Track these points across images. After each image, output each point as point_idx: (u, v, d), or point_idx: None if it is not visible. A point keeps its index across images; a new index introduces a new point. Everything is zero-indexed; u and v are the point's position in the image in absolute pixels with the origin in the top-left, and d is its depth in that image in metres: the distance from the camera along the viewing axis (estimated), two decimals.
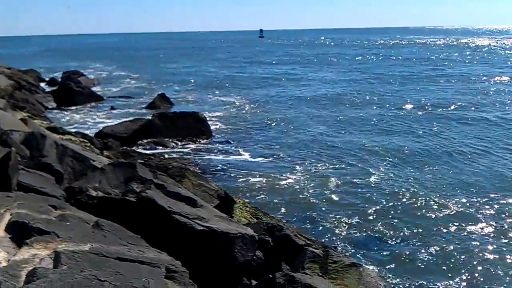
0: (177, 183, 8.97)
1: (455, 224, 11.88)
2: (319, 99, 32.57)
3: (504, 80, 40.24)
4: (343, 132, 22.37)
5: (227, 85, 41.65)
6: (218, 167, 16.91)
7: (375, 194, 13.97)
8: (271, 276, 5.58)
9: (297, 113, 27.37)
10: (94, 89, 36.91)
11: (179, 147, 19.81)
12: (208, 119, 23.03)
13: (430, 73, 47.26)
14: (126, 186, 7.90)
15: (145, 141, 20.10)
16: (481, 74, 44.85)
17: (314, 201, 13.60)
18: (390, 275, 9.54)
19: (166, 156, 17.85)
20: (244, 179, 15.68)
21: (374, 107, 28.73)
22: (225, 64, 64.90)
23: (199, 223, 6.25)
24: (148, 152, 18.18)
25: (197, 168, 15.67)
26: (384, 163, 16.98)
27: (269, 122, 24.76)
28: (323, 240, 10.30)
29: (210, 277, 6.50)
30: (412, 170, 16.08)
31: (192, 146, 19.94)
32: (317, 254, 7.53)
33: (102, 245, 4.97)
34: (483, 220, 12.06)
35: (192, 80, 45.31)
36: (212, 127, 22.52)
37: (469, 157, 17.57)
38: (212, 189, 10.57)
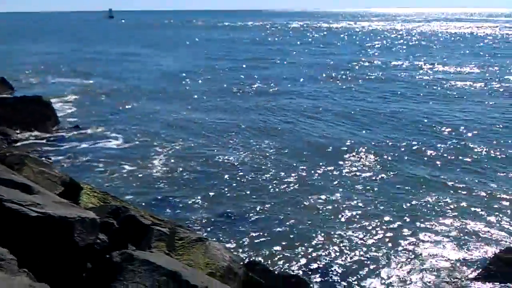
0: (11, 170, 8.42)
1: (299, 197, 12.70)
2: (171, 77, 32.52)
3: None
4: (190, 110, 22.49)
5: (74, 67, 39.61)
6: (64, 154, 16.19)
7: (229, 173, 14.37)
8: (107, 256, 5.53)
9: (149, 95, 26.93)
10: None
11: (21, 134, 18.51)
12: (53, 103, 21.80)
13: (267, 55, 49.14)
14: None
15: None
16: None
17: (168, 183, 13.65)
18: (238, 247, 10.00)
19: (6, 145, 16.61)
20: (94, 164, 15.21)
21: (214, 86, 29.18)
22: (74, 46, 61.51)
23: (33, 209, 5.98)
24: None
25: (40, 156, 14.82)
26: (233, 142, 17.48)
27: (121, 106, 24.08)
28: (174, 219, 10.41)
29: (52, 264, 6.26)
30: (255, 143, 16.79)
31: (36, 133, 18.74)
32: (163, 232, 7.60)
33: None
34: (321, 190, 13.06)
35: (35, 63, 42.22)
36: (59, 113, 21.38)
37: (300, 128, 18.78)
38: (55, 176, 10.07)
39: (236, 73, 34.04)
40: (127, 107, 23.94)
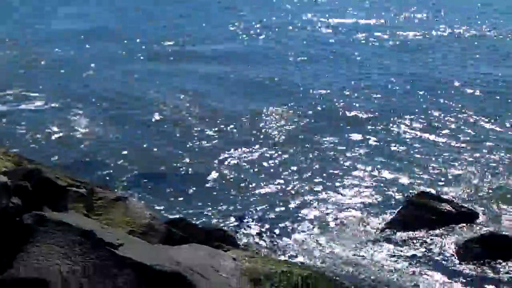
0: None
1: (223, 153, 12.78)
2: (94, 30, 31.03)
3: None
4: (116, 68, 21.67)
5: None
6: None
7: (153, 131, 14.17)
8: (18, 219, 5.39)
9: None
10: None
11: None
12: None
13: None
14: None
15: None
16: None
17: (91, 144, 13.32)
18: (162, 205, 10.04)
19: None
20: (13, 127, 14.50)
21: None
22: None
23: None
24: None
25: None
26: (160, 102, 17.14)
27: (40, 62, 22.62)
28: (95, 180, 10.23)
29: None
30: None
31: None
32: (81, 193, 7.44)
33: None
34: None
35: None
36: None
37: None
38: None
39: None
40: (46, 63, 22.51)
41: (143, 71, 19.95)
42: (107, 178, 11.21)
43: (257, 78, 18.77)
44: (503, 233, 8.90)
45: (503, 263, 8.24)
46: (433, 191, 10.37)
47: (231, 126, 14.37)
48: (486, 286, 7.77)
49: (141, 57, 22.03)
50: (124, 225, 7.16)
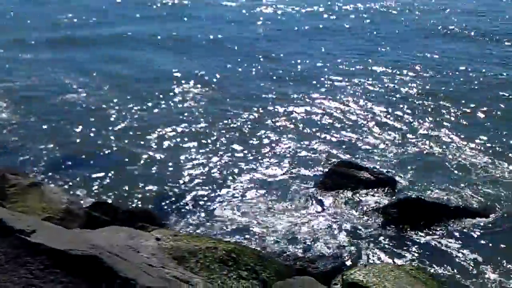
0: None
1: (144, 132, 12.57)
2: None
3: None
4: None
5: None
6: None
7: (72, 116, 13.61)
8: None
9: None
10: None
11: None
12: None
13: None
14: None
15: None
16: None
17: (4, 128, 12.63)
18: (82, 190, 9.77)
19: None
20: None
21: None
22: None
23: None
24: None
25: None
26: (81, 83, 16.52)
27: None
28: (8, 167, 9.77)
29: None
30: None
31: None
32: None
33: None
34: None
35: None
36: None
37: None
38: None
39: None
40: None
41: (53, 56, 19.00)
42: (21, 164, 10.71)
43: (168, 63, 18.39)
44: (418, 197, 9.35)
45: (419, 225, 8.69)
46: (353, 160, 10.70)
47: (149, 107, 14.08)
48: (403, 247, 8.17)
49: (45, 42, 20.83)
50: (41, 211, 6.94)
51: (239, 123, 12.92)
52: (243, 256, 6.61)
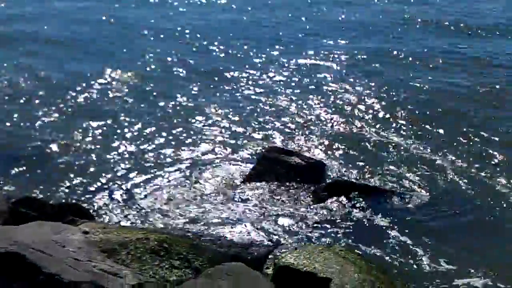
0: None
1: (70, 122, 12.18)
2: None
3: None
4: None
5: None
6: None
7: None
8: None
9: None
10: None
11: None
12: None
13: None
14: None
15: None
16: None
17: None
18: (4, 185, 9.41)
19: None
20: None
21: None
22: None
23: None
24: None
25: None
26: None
27: None
28: None
29: None
30: None
31: None
32: None
33: None
34: None
35: None
36: None
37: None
38: None
39: None
40: None
41: None
42: None
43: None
44: (347, 179, 9.65)
45: (348, 207, 8.96)
46: (283, 146, 10.87)
47: (73, 97, 13.67)
48: (334, 229, 8.38)
49: None
50: None
51: (165, 112, 12.78)
52: (175, 245, 6.59)
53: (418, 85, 14.18)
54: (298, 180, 9.64)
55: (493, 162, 10.33)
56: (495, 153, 10.59)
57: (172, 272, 6.24)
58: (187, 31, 19.80)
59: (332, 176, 9.91)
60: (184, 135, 11.61)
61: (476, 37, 18.61)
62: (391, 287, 6.17)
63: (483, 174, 9.89)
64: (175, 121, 12.30)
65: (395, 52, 16.62)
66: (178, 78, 15.06)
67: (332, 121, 12.29)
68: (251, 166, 10.13)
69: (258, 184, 9.63)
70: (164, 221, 8.50)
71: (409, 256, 7.70)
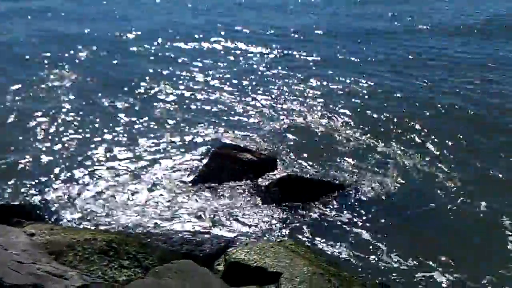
0: None
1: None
2: None
3: None
4: None
5: None
6: None
7: None
8: None
9: None
10: None
11: None
12: None
13: None
14: None
15: None
16: None
17: None
18: None
19: None
20: None
21: None
22: None
23: None
24: None
25: None
26: None
27: None
28: None
29: None
30: None
31: None
32: None
33: None
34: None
35: None
36: None
37: None
38: None
39: None
40: None
41: None
42: None
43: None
44: (298, 174, 9.73)
45: (299, 202, 9.03)
46: (235, 142, 10.87)
47: (11, 100, 13.29)
48: (284, 223, 8.44)
49: None
50: None
51: (112, 112, 12.61)
52: (124, 245, 6.50)
53: (369, 78, 14.46)
54: (251, 176, 9.66)
55: (445, 156, 10.55)
56: (447, 147, 10.83)
57: (121, 272, 6.15)
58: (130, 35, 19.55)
59: (284, 171, 9.95)
60: (133, 134, 11.47)
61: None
62: (340, 278, 6.26)
63: (435, 169, 10.10)
64: (122, 121, 12.12)
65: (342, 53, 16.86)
66: (125, 77, 14.87)
67: (284, 117, 12.38)
68: (203, 163, 10.08)
69: (210, 181, 9.60)
70: (114, 220, 8.36)
71: (359, 249, 7.83)
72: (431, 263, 7.45)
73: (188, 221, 8.44)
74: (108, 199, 9.05)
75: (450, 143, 10.89)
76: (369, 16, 21.80)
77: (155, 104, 13.07)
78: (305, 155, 10.64)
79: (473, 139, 11.00)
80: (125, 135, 11.38)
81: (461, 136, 11.10)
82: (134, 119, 12.17)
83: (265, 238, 7.93)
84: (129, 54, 17.41)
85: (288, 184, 9.32)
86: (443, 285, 7.05)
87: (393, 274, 7.26)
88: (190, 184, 9.51)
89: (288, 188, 9.24)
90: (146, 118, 12.21)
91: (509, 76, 14.51)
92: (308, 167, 10.18)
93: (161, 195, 9.18)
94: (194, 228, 8.26)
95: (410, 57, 16.57)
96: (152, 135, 11.40)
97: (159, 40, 18.48)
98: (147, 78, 14.89)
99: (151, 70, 15.61)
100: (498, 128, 11.42)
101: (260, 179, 9.65)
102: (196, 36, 18.82)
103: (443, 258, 7.53)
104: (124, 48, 18.01)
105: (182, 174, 9.85)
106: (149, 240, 7.50)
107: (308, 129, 11.72)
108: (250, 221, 8.46)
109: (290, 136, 11.40)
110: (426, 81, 14.39)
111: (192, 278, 4.94)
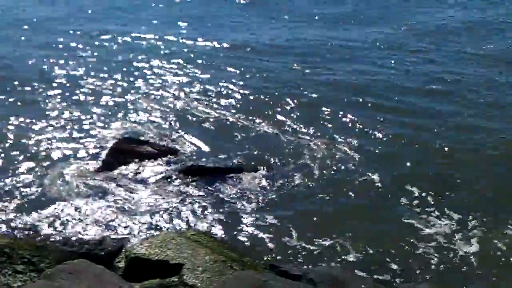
0: None
1: None
2: None
3: None
4: None
5: None
6: None
7: None
8: None
9: None
10: None
11: None
12: None
13: None
14: None
15: None
16: None
17: None
18: None
19: None
20: None
21: None
22: None
23: None
24: None
25: None
26: None
27: None
28: None
29: None
30: None
31: None
32: None
33: None
34: None
35: None
36: None
37: None
38: None
39: None
40: None
41: None
42: None
43: None
44: (199, 164, 9.76)
45: (201, 189, 9.07)
46: (133, 136, 10.67)
47: None
48: (186, 214, 8.39)
49: None
50: None
51: (8, 111, 11.98)
52: (18, 249, 6.26)
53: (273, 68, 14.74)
54: (151, 169, 9.56)
55: (355, 141, 10.78)
56: (358, 134, 11.15)
57: (15, 278, 5.92)
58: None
59: (185, 162, 9.91)
60: (29, 133, 10.90)
61: None
62: (242, 264, 6.41)
63: (335, 150, 10.37)
64: (18, 120, 11.47)
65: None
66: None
67: (185, 107, 12.34)
68: (101, 159, 9.82)
69: (109, 176, 9.37)
70: (8, 225, 7.92)
71: (261, 233, 7.97)
72: (330, 241, 7.74)
73: (86, 220, 8.19)
74: (2, 202, 8.54)
75: (344, 127, 11.38)
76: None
77: (47, 100, 12.51)
78: (205, 144, 10.66)
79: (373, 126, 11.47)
80: (22, 135, 10.81)
81: (362, 121, 11.57)
82: (30, 117, 11.57)
83: (167, 230, 7.89)
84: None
85: (189, 174, 9.37)
86: (344, 260, 7.38)
87: (295, 256, 7.48)
88: (89, 182, 9.22)
89: (189, 178, 9.28)
90: (43, 118, 11.64)
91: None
92: (209, 155, 10.22)
93: (58, 196, 8.82)
94: (94, 226, 8.05)
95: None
96: (49, 135, 10.89)
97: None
98: (35, 73, 14.21)
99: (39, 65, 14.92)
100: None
101: (162, 171, 9.57)
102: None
103: (344, 235, 7.84)
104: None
105: (80, 172, 9.51)
106: (45, 242, 7.23)
107: (213, 120, 11.74)
108: (151, 215, 8.36)
109: (193, 127, 11.38)
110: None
111: (87, 277, 4.83)
